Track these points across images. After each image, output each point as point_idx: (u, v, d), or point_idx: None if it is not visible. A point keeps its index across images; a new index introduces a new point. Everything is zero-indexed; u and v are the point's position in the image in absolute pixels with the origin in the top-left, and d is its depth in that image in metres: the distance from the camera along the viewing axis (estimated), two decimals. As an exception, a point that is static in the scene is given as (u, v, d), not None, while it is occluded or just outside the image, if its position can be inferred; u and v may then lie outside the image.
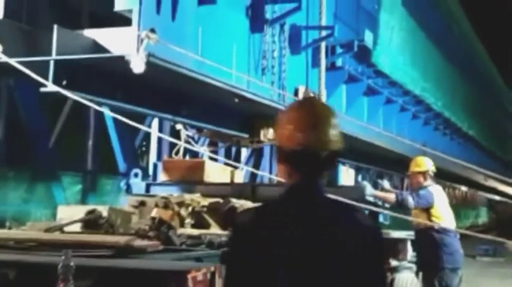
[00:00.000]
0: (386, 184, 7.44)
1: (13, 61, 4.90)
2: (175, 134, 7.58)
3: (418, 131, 13.60)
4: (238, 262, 1.82)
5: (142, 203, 5.46)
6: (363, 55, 9.76)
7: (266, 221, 1.83)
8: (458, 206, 24.66)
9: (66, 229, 4.44)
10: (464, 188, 27.81)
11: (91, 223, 4.55)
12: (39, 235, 4.17)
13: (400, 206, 6.54)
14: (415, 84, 12.52)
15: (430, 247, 6.43)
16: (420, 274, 6.75)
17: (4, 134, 5.81)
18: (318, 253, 1.74)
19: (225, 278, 1.87)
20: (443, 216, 6.62)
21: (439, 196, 6.71)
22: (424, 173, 6.75)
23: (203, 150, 7.92)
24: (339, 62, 9.35)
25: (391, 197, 6.61)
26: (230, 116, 7.26)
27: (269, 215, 1.85)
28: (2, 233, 4.21)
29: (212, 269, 3.28)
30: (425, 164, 6.83)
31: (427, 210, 6.53)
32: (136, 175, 6.94)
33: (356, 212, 1.92)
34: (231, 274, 1.83)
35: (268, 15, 7.29)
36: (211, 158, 7.48)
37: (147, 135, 8.19)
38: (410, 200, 6.49)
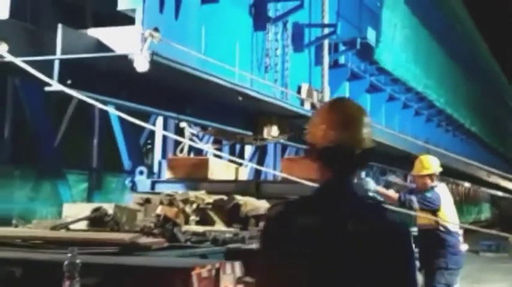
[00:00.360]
0: (392, 177, 7.42)
1: (18, 60, 4.93)
2: (180, 132, 7.61)
3: (420, 128, 13.60)
4: (261, 257, 1.88)
5: (147, 201, 5.50)
6: (366, 52, 9.77)
7: (285, 217, 1.86)
8: (461, 202, 24.64)
9: (72, 226, 4.48)
10: (467, 185, 27.78)
11: (97, 220, 4.59)
12: (45, 232, 4.21)
13: (402, 205, 6.52)
14: (418, 81, 12.52)
15: (435, 247, 6.43)
16: (422, 271, 6.76)
17: (10, 133, 5.85)
18: (335, 251, 1.75)
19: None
20: (449, 216, 6.60)
21: (444, 196, 6.67)
22: (431, 175, 6.67)
23: (207, 148, 7.96)
24: (341, 60, 9.36)
25: (394, 197, 6.59)
26: (234, 114, 7.29)
27: (292, 212, 1.88)
28: (8, 231, 4.25)
29: (217, 265, 3.31)
30: (432, 166, 6.72)
31: (433, 211, 6.50)
32: (141, 173, 6.98)
33: (385, 211, 1.93)
34: (258, 266, 1.88)
35: (271, 14, 7.30)
36: (215, 156, 7.51)
37: (152, 134, 8.22)
38: (415, 202, 6.44)
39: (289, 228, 1.81)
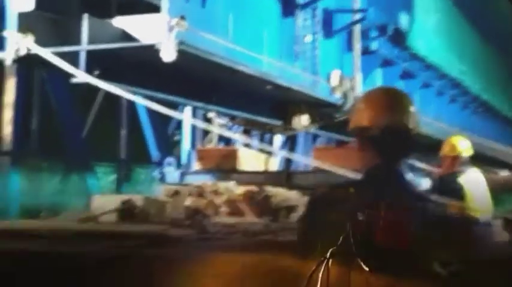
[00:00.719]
0: (422, 165, 7.14)
1: (45, 52, 4.91)
2: (208, 122, 7.54)
3: (456, 115, 13.28)
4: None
5: (176, 193, 5.43)
6: (398, 38, 9.53)
7: (324, 200, 1.85)
8: (499, 191, 24.10)
9: (101, 218, 4.44)
10: (505, 173, 27.16)
11: (126, 212, 4.53)
12: (73, 225, 4.17)
13: None
14: (452, 67, 12.20)
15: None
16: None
17: (38, 125, 5.85)
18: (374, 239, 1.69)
19: None
20: (476, 206, 6.30)
21: (473, 183, 6.32)
22: (455, 157, 6.35)
23: (237, 136, 7.85)
24: (373, 46, 9.13)
25: None
26: (263, 103, 7.19)
27: (336, 196, 1.82)
28: (37, 223, 4.23)
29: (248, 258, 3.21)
30: (457, 146, 6.42)
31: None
32: (170, 164, 6.93)
33: (429, 201, 1.87)
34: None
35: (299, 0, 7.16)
36: (245, 145, 7.42)
37: (180, 125, 8.16)
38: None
39: (331, 213, 1.76)
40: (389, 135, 1.81)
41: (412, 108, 1.90)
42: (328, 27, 7.82)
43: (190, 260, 3.16)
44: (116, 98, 6.41)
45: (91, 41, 5.02)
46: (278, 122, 7.48)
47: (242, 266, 2.81)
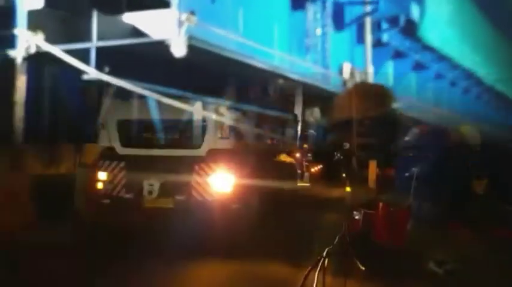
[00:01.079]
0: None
1: (55, 49, 4.90)
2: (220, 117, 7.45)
3: (470, 106, 13.14)
4: None
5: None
6: (410, 30, 9.43)
7: None
8: None
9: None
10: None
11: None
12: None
13: None
14: (465, 57, 12.06)
15: None
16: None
17: (48, 122, 5.83)
18: None
19: None
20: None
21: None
22: (463, 145, 6.37)
23: (249, 130, 7.77)
24: (384, 38, 9.05)
25: None
26: (274, 96, 7.14)
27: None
28: None
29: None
30: (466, 135, 6.46)
31: None
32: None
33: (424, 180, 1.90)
34: None
35: (309, -7, 7.11)
36: (257, 138, 7.36)
37: (191, 120, 8.09)
38: None
39: None
40: (381, 123, 1.84)
41: (390, 97, 1.97)
42: (338, 20, 7.76)
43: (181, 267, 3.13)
44: (126, 93, 6.37)
45: (101, 37, 5.01)
46: (290, 116, 7.44)
47: (232, 273, 2.78)
